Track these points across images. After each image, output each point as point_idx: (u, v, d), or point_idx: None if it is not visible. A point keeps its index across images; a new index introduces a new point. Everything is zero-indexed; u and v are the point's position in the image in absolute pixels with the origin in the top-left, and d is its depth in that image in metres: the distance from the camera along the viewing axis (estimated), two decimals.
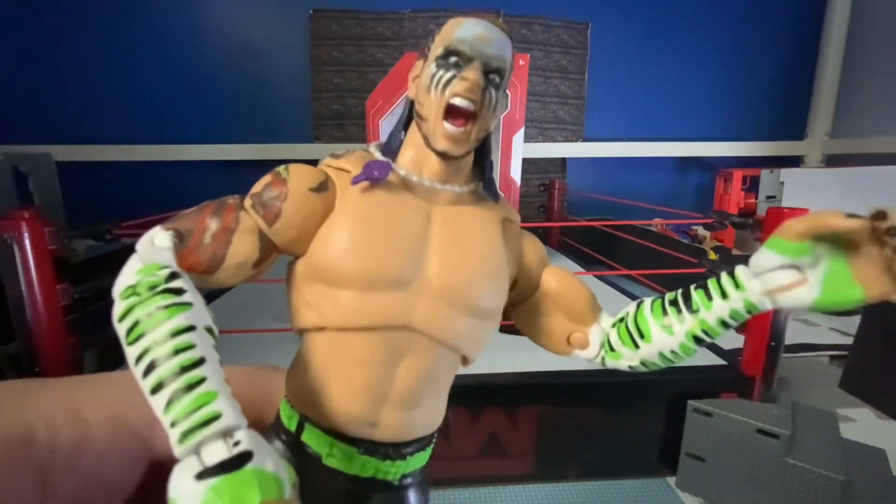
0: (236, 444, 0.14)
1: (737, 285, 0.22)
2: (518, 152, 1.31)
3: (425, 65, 0.22)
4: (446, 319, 0.21)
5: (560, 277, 0.26)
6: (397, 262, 0.21)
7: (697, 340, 0.23)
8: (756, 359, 0.85)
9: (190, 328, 0.17)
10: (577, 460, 0.88)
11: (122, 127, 2.15)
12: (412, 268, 0.21)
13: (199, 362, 0.16)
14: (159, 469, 0.21)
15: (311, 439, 0.21)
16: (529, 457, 0.87)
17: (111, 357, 0.92)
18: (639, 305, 0.25)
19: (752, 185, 2.24)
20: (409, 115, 0.24)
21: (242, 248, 0.20)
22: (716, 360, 0.93)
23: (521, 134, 1.29)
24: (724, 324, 0.22)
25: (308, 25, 2.14)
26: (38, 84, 2.07)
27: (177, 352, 0.16)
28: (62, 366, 0.74)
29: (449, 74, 0.21)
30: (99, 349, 0.96)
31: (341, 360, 0.21)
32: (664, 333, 0.23)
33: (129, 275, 0.18)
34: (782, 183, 1.91)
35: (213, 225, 0.20)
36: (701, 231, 2.07)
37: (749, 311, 0.22)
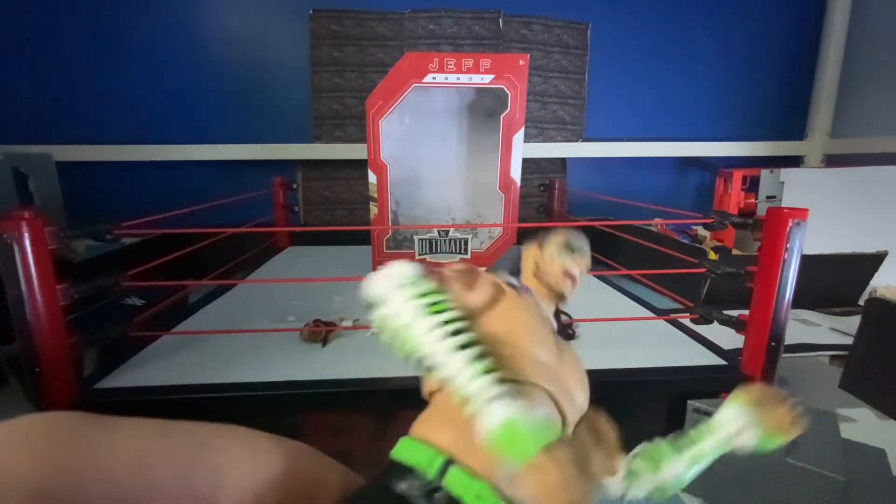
0: None
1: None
2: (518, 152, 1.31)
3: None
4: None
5: None
6: None
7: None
8: (756, 359, 0.85)
9: None
10: None
11: (122, 127, 2.15)
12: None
13: None
14: None
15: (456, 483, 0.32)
16: None
17: (111, 357, 0.92)
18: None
19: (752, 185, 2.24)
20: None
21: None
22: (716, 360, 0.93)
23: (521, 134, 1.29)
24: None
25: (308, 25, 2.15)
26: (38, 84, 2.07)
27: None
28: (62, 366, 0.74)
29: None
30: (99, 349, 0.96)
31: None
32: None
33: None
34: (782, 183, 1.91)
35: None
36: (701, 231, 2.07)
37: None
